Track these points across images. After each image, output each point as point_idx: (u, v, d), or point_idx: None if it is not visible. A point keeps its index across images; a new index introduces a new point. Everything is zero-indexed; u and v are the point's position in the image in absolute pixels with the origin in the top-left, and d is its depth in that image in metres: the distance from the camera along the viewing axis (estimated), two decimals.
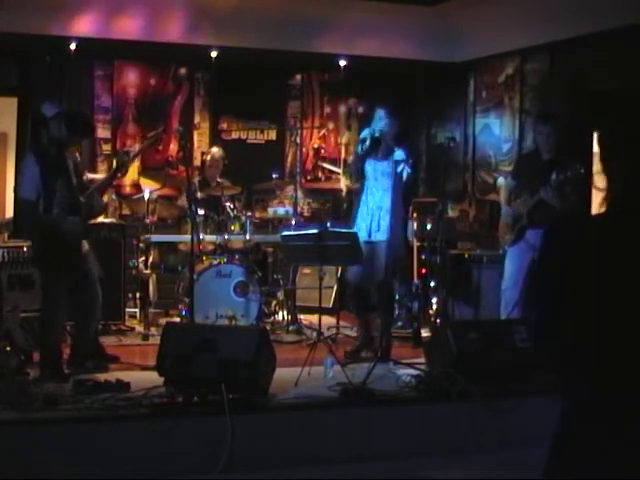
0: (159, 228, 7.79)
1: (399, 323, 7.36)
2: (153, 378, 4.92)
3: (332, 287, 8.19)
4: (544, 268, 2.05)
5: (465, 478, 4.61)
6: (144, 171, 8.91)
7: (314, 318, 6.87)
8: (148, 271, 7.47)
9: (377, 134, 6.04)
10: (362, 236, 6.06)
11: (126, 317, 7.38)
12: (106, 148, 8.87)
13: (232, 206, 7.54)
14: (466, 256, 7.61)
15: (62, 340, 5.76)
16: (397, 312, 7.35)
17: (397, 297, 7.21)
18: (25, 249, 6.08)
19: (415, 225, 7.65)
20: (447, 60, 9.05)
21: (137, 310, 7.56)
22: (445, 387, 5.03)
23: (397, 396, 5.06)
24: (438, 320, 7.18)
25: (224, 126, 9.26)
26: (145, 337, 6.89)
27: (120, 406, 4.61)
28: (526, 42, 8.03)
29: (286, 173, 9.25)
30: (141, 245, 7.57)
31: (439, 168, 8.87)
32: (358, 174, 6.28)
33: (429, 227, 7.53)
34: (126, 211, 8.78)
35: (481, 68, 8.93)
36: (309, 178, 9.58)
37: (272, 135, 9.41)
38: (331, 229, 6.37)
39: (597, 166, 2.01)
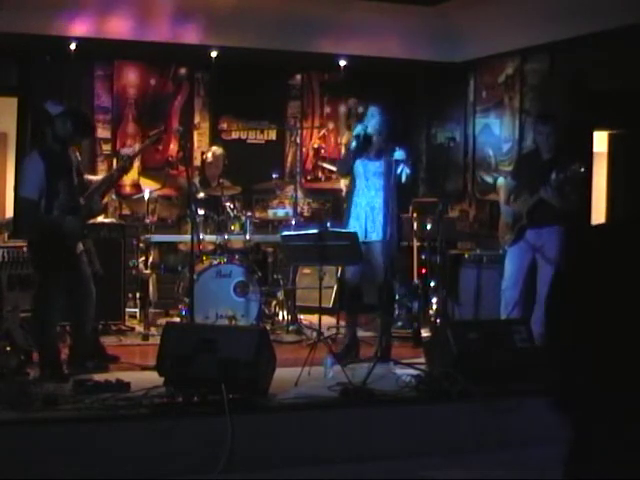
0: (159, 228, 7.80)
1: (399, 323, 7.36)
2: (153, 378, 4.91)
3: (332, 287, 8.17)
4: (573, 284, 2.02)
5: (465, 478, 4.60)
6: (144, 171, 8.90)
7: (314, 318, 6.87)
8: (148, 271, 7.47)
9: (369, 130, 6.05)
10: None
11: (126, 317, 7.37)
12: (106, 148, 8.86)
13: (232, 206, 7.54)
14: (466, 256, 7.61)
15: (60, 340, 5.75)
16: (397, 312, 7.36)
17: (397, 297, 7.21)
18: (25, 249, 6.08)
19: (415, 225, 7.66)
20: (447, 60, 9.04)
21: (137, 310, 7.57)
22: (445, 387, 5.02)
23: (397, 396, 5.05)
24: (438, 320, 7.19)
25: (224, 126, 9.25)
26: (145, 337, 6.89)
27: (120, 406, 4.60)
28: (526, 42, 8.03)
29: (286, 173, 9.24)
30: (141, 245, 7.57)
31: (439, 168, 8.90)
32: (348, 170, 6.28)
33: (429, 227, 7.53)
34: (126, 211, 8.79)
35: (481, 68, 8.93)
36: (309, 178, 9.57)
37: (272, 135, 9.40)
38: (331, 229, 6.36)
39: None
